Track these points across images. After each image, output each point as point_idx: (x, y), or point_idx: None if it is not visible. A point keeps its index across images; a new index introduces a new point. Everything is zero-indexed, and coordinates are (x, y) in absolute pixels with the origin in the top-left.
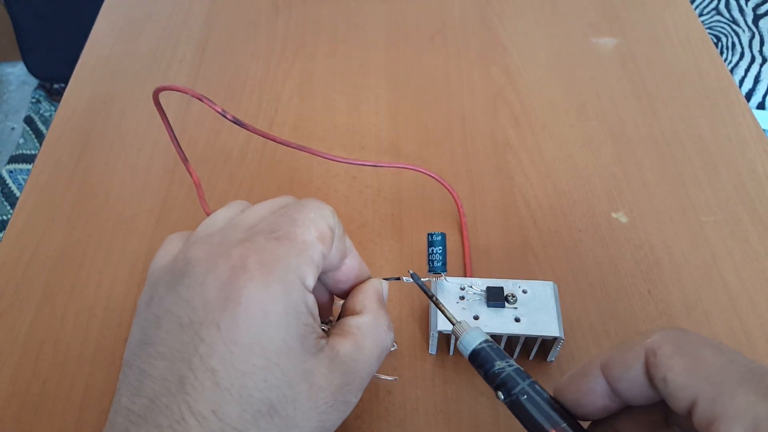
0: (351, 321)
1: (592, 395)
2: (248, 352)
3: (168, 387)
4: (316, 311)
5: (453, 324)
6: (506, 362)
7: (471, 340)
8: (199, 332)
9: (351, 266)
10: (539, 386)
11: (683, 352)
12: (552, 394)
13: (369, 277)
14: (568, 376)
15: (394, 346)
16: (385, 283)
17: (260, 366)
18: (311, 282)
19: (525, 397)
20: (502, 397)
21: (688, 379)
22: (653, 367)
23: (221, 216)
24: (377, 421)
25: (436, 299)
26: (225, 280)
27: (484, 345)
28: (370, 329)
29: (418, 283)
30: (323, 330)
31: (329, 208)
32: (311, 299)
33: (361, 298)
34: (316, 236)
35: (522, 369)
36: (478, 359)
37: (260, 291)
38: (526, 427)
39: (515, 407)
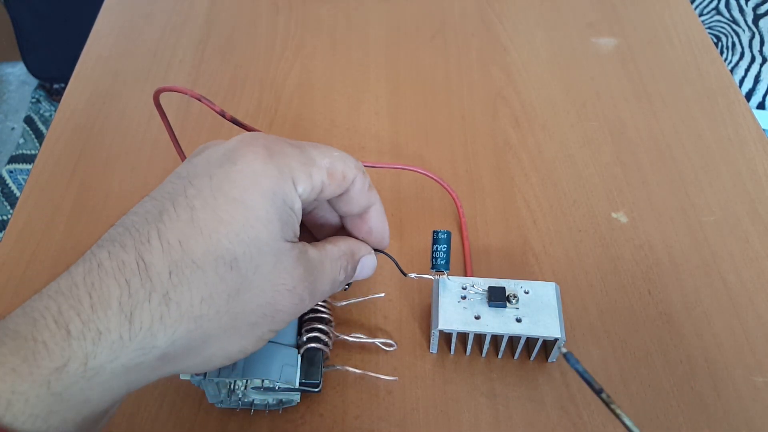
0: (322, 242)
1: None
2: (231, 204)
3: (147, 218)
4: (299, 216)
5: None
6: None
7: None
8: (192, 180)
9: (367, 220)
10: None
11: None
12: None
13: (384, 246)
14: None
15: (393, 345)
16: (371, 258)
17: (238, 221)
18: (301, 190)
19: None
20: None
21: None
22: None
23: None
24: (377, 421)
25: (614, 407)
26: (231, 149)
27: None
28: (333, 257)
29: (576, 368)
30: None
31: (356, 162)
32: (298, 204)
33: (342, 241)
34: (326, 165)
35: None
36: None
37: (258, 162)
38: None
39: None
